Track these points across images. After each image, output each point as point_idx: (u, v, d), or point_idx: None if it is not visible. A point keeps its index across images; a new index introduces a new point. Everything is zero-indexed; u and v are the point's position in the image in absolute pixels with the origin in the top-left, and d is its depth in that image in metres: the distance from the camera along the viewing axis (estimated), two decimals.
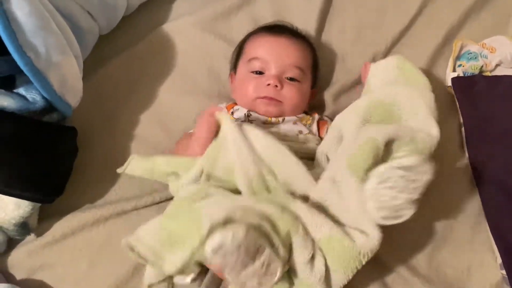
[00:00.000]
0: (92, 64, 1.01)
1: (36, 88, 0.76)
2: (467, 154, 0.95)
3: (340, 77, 1.05)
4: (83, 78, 0.90)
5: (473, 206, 0.91)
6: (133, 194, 0.91)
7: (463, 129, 0.97)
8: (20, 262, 0.86)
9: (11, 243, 0.87)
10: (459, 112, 0.98)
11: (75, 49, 0.85)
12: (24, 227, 0.83)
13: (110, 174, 0.92)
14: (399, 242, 0.87)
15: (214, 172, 0.77)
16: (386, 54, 1.06)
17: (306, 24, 1.07)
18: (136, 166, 0.83)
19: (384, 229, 0.85)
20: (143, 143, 0.97)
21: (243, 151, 0.75)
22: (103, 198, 0.92)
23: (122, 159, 0.92)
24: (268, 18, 1.09)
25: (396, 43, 1.08)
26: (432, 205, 0.90)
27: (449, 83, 1.01)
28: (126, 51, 1.06)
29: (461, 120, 0.97)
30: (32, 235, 0.86)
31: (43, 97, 0.78)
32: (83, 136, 0.93)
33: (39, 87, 0.75)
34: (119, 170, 0.84)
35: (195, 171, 0.77)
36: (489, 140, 0.94)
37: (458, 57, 1.04)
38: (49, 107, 0.81)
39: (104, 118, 0.99)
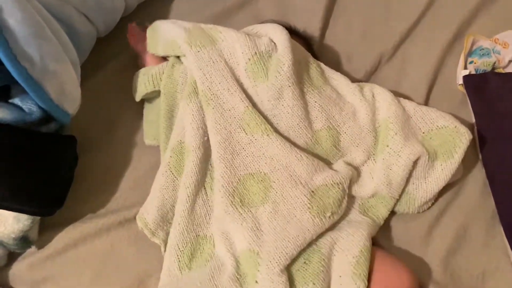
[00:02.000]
0: (90, 68, 0.98)
1: (32, 98, 0.73)
2: (480, 155, 0.92)
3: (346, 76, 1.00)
4: (81, 83, 0.87)
5: (487, 208, 0.88)
6: (134, 201, 0.89)
7: (475, 129, 0.93)
8: (22, 275, 0.84)
9: (12, 256, 0.85)
10: (471, 112, 0.95)
11: (72, 55, 0.82)
12: (25, 241, 0.81)
13: (111, 183, 0.92)
14: (413, 248, 0.85)
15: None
16: (393, 52, 1.03)
17: (311, 22, 1.05)
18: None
19: (397, 234, 0.87)
20: (145, 150, 0.95)
21: None
22: (104, 207, 0.90)
23: (123, 167, 0.93)
24: (270, 17, 1.06)
25: (404, 40, 1.04)
26: (445, 208, 0.88)
27: (460, 81, 0.97)
28: (125, 53, 1.03)
29: (473, 120, 0.94)
30: (33, 248, 0.84)
31: (40, 107, 0.75)
32: (83, 143, 0.90)
33: (35, 98, 0.72)
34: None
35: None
36: (502, 140, 0.90)
37: (469, 53, 1.00)
38: (47, 117, 0.78)
39: (104, 124, 0.97)
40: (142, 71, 0.94)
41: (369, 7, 1.08)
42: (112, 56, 1.03)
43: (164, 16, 1.08)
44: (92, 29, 0.93)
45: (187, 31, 0.86)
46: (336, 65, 1.03)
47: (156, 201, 0.82)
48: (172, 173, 0.83)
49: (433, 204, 0.88)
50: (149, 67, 0.94)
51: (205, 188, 0.82)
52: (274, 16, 1.06)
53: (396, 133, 0.83)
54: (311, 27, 1.04)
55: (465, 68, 0.98)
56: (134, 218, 0.85)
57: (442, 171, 0.83)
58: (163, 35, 0.90)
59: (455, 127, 0.84)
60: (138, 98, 0.94)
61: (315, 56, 0.96)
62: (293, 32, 0.98)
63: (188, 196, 0.80)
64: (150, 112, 0.94)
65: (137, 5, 1.05)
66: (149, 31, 0.94)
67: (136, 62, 1.01)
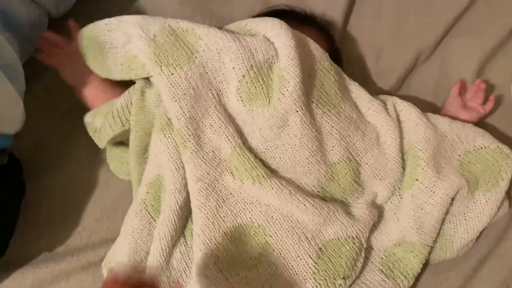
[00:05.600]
0: (40, 63, 0.77)
1: None
2: None
3: (373, 80, 0.87)
4: (30, 81, 0.71)
5: None
6: (100, 237, 0.77)
7: None
8: None
9: None
10: None
11: (8, 57, 0.63)
12: None
13: (72, 213, 0.79)
14: None
15: None
16: (434, 49, 0.87)
17: (332, 6, 0.87)
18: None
19: None
20: None
21: None
22: (63, 244, 0.77)
23: (86, 193, 0.80)
24: None
25: (448, 33, 0.87)
26: (485, 257, 0.74)
27: None
28: None
29: None
30: None
31: None
32: (33, 165, 0.77)
33: None
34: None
35: None
36: None
37: None
38: None
39: (60, 137, 0.81)
40: (97, 112, 0.72)
41: None
42: None
43: None
44: (40, 12, 0.73)
45: (150, 40, 0.65)
46: (361, 65, 0.88)
47: (127, 247, 0.69)
48: (149, 213, 0.69)
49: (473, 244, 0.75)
50: (109, 103, 0.72)
51: (185, 237, 0.69)
52: None
53: (427, 163, 0.70)
54: (332, 11, 0.87)
55: None
56: (101, 261, 0.72)
57: (487, 203, 0.71)
58: (112, 44, 0.67)
59: (498, 147, 0.73)
60: (102, 144, 0.74)
61: (336, 52, 0.81)
62: (308, 21, 0.82)
63: (163, 250, 0.67)
64: (115, 150, 0.77)
65: None
66: (84, 40, 0.69)
67: None
